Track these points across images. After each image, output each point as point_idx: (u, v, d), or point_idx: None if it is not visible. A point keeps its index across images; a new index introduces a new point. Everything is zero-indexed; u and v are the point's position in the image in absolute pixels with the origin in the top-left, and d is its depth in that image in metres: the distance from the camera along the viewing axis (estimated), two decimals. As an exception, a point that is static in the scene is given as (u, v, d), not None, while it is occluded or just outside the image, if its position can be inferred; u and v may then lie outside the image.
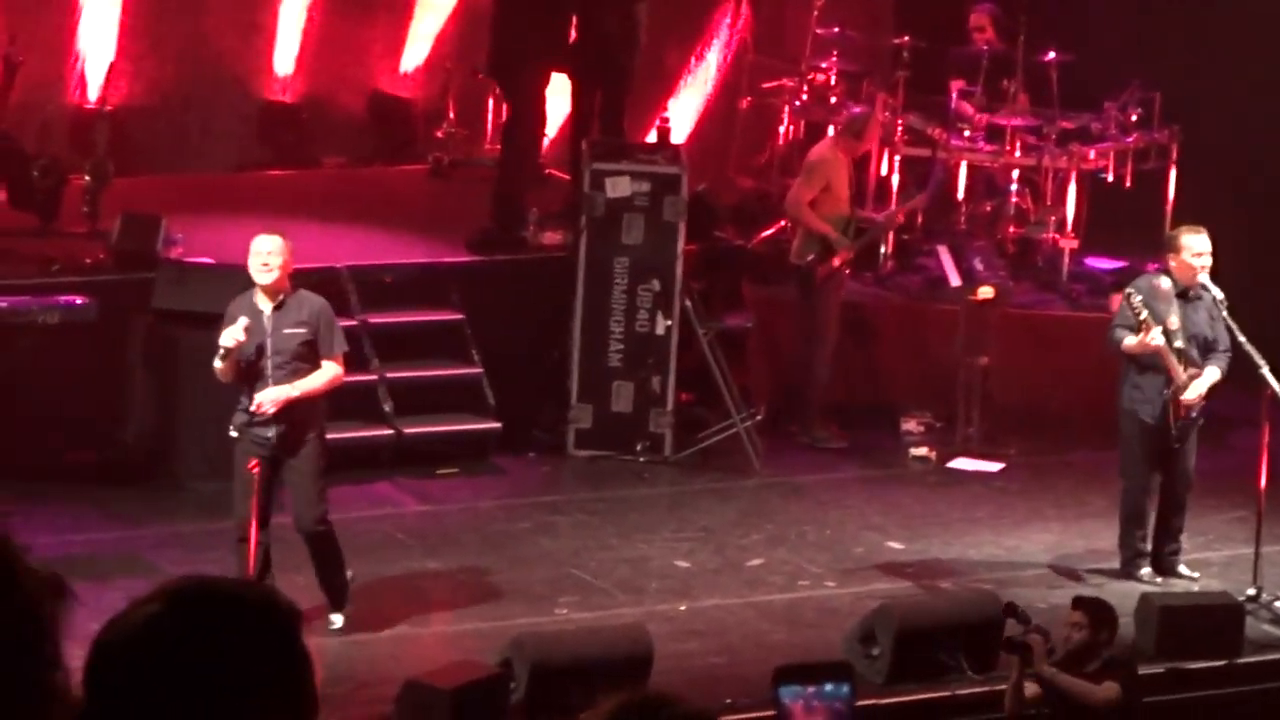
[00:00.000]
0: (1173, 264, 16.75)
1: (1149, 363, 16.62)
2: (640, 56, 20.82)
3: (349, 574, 15.50)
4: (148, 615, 3.65)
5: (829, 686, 12.85)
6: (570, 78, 20.54)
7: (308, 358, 15.01)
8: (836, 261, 19.54)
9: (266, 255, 15.05)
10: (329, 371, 15.11)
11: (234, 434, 14.93)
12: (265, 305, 14.99)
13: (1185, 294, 16.69)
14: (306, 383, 14.94)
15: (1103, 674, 13.53)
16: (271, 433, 14.79)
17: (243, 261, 18.27)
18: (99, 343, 17.72)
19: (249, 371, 14.95)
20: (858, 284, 20.37)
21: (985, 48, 21.77)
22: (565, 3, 20.05)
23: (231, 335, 14.75)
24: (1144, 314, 16.42)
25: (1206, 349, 16.67)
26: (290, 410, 14.84)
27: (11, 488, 16.32)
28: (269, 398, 14.77)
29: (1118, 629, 13.94)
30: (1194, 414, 16.70)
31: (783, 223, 20.55)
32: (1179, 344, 16.56)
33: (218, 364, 14.89)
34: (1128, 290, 16.68)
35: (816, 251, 19.50)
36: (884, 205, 21.02)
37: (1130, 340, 16.55)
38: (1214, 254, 16.69)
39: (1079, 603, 14.10)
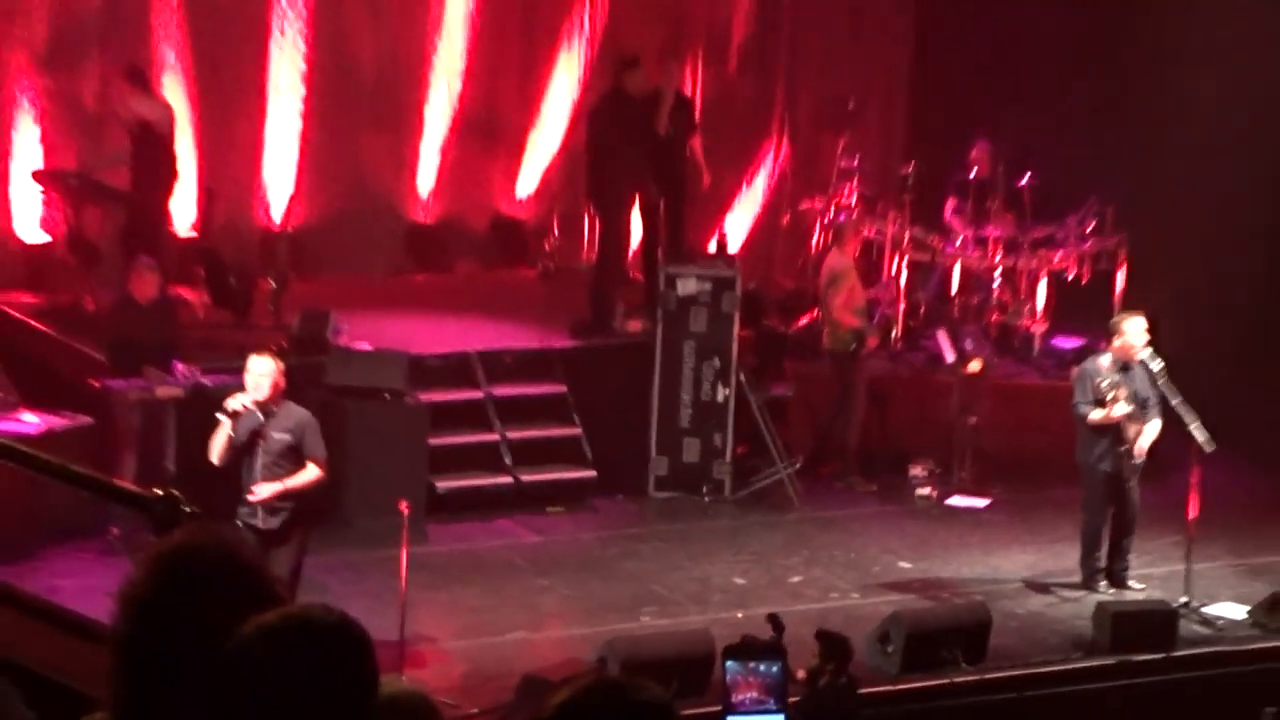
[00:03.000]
0: (1117, 343, 16.80)
1: (1107, 428, 16.73)
2: (700, 185, 21.08)
3: None
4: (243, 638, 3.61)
5: (763, 664, 12.94)
6: (646, 201, 20.66)
7: (292, 459, 14.35)
8: (872, 344, 19.74)
9: (259, 376, 14.33)
10: (312, 472, 14.41)
11: (238, 524, 14.24)
12: (258, 413, 14.37)
13: (1126, 367, 16.78)
14: (294, 480, 14.30)
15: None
16: (259, 521, 14.20)
17: (395, 347, 18.58)
18: (283, 412, 17.89)
19: (242, 464, 14.35)
20: (875, 360, 20.44)
21: (974, 174, 21.80)
22: (642, 145, 20.13)
23: (239, 400, 14.25)
24: (1112, 394, 16.53)
25: (1144, 407, 16.76)
26: (280, 508, 14.29)
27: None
28: (265, 490, 14.21)
29: (849, 660, 13.71)
30: (1139, 461, 16.82)
31: (815, 313, 20.65)
32: (1129, 409, 16.64)
33: (218, 440, 14.23)
34: (1093, 380, 16.69)
35: (856, 343, 19.67)
36: (890, 289, 21.15)
37: (1096, 414, 16.64)
38: (1153, 333, 16.83)
39: (818, 635, 13.86)
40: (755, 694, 12.76)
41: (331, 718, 3.61)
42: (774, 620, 13.63)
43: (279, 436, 14.38)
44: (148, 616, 3.77)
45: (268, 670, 3.59)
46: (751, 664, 12.88)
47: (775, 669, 12.87)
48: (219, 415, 14.36)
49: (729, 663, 12.83)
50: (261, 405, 14.31)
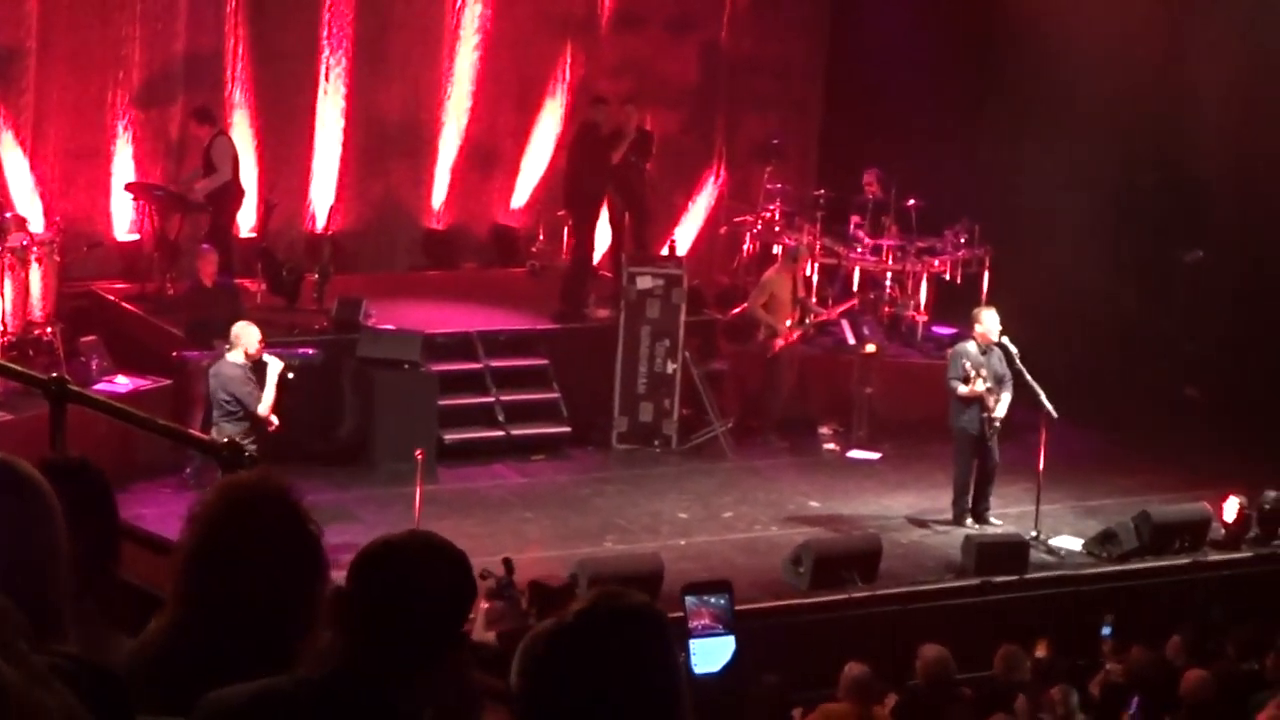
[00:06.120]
0: (978, 330, 16.93)
1: (969, 397, 16.77)
2: (655, 201, 21.05)
3: None
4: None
5: (715, 597, 12.77)
6: (612, 213, 20.64)
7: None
8: (781, 342, 19.51)
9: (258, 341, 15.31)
10: None
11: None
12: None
13: (985, 350, 16.84)
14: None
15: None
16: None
17: (413, 328, 18.51)
18: (324, 377, 17.83)
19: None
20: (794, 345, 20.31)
21: (871, 196, 21.81)
22: (606, 167, 20.05)
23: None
24: (974, 375, 16.60)
25: (1000, 382, 16.80)
26: None
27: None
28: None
29: (554, 609, 13.29)
30: (998, 424, 16.84)
31: (745, 305, 20.55)
32: (989, 385, 16.70)
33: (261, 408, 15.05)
34: (962, 361, 16.82)
35: (770, 335, 19.55)
36: (809, 294, 20.95)
37: (963, 389, 16.72)
38: (1007, 322, 16.91)
39: (529, 585, 13.31)
40: (707, 621, 12.63)
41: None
42: (506, 563, 13.37)
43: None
44: (211, 531, 3.85)
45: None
46: (705, 597, 12.72)
47: (724, 600, 12.72)
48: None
49: (687, 597, 12.64)
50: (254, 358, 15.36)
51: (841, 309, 20.67)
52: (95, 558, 3.99)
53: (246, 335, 15.24)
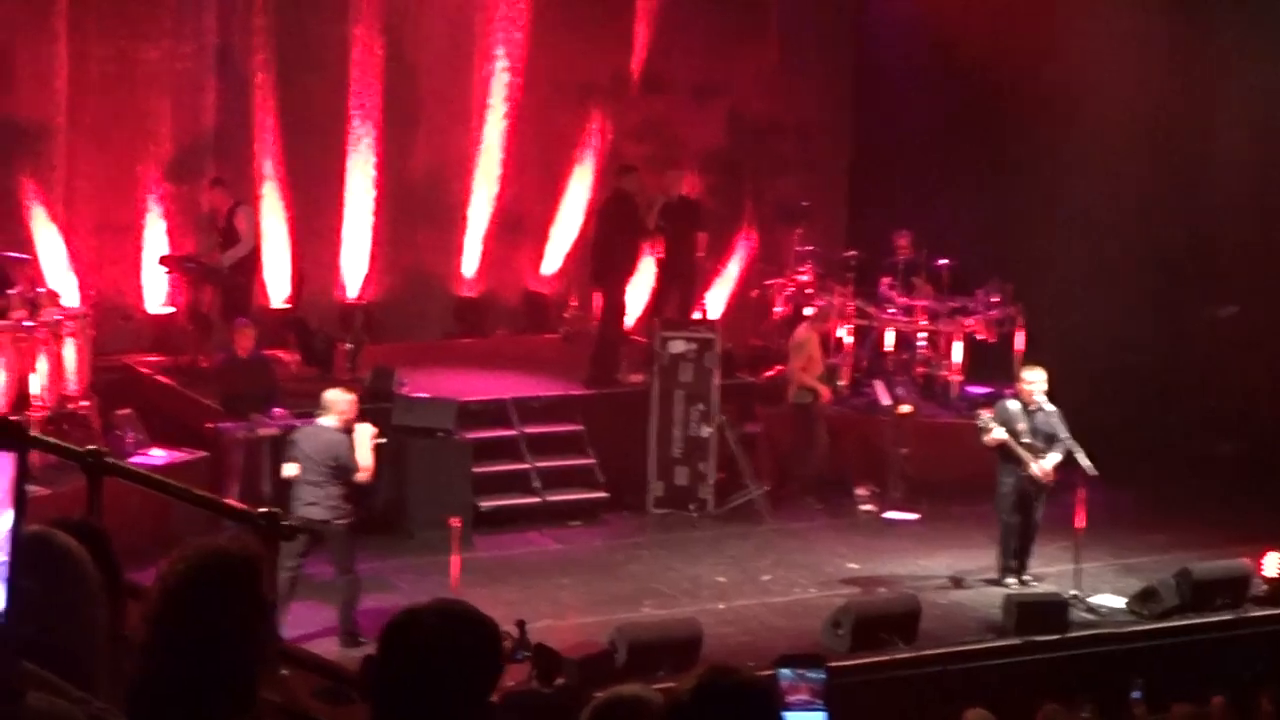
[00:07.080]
0: (1020, 389, 16.83)
1: (1010, 455, 16.65)
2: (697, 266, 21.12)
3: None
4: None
5: (812, 671, 12.69)
6: (658, 280, 20.61)
7: None
8: (826, 398, 19.51)
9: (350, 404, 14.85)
10: None
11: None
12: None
13: (1028, 409, 16.73)
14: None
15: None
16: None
17: (447, 395, 18.47)
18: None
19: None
20: (827, 405, 20.24)
21: (903, 257, 21.78)
22: (640, 235, 20.05)
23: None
24: (991, 427, 16.52)
25: (1050, 441, 16.66)
26: None
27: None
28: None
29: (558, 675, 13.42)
30: (1043, 483, 16.71)
31: (779, 367, 20.50)
32: (1028, 440, 16.59)
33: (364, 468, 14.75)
34: (984, 414, 16.81)
35: (811, 397, 19.51)
36: (836, 355, 20.86)
37: (986, 439, 16.65)
38: (1049, 381, 16.78)
39: (535, 649, 13.76)
40: (805, 696, 12.52)
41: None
42: (520, 625, 13.76)
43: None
44: (172, 596, 3.76)
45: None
46: (800, 671, 12.65)
47: (821, 675, 12.65)
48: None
49: (781, 670, 12.60)
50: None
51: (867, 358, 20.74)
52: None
53: (344, 401, 14.88)
